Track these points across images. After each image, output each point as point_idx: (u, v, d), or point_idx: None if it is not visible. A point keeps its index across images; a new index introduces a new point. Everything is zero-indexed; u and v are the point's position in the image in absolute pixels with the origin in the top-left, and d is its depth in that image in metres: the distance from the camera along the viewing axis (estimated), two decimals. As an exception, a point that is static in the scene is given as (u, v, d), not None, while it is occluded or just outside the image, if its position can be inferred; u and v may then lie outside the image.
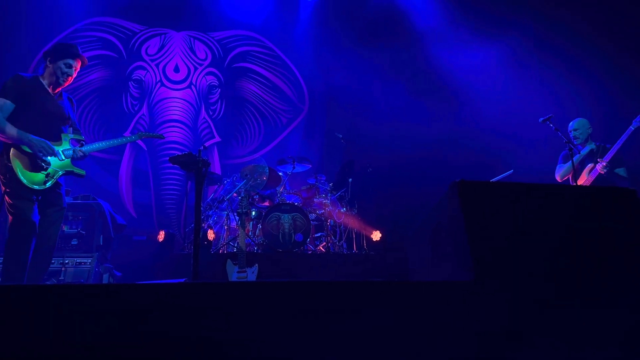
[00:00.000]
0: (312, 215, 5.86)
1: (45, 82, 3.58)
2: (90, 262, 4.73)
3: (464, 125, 7.25)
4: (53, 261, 4.53)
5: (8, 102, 3.33)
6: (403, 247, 6.08)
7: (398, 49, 7.83)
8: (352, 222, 6.06)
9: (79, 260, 4.71)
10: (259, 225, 5.60)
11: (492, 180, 4.86)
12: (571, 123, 5.00)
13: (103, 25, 7.41)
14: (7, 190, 3.29)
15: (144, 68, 7.43)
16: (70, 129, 3.61)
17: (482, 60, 7.59)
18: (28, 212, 3.28)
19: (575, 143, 4.91)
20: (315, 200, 6.03)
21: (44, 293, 1.36)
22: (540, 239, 1.82)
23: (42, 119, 3.46)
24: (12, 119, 3.34)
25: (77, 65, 3.65)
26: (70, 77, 3.63)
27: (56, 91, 3.63)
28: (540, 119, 4.68)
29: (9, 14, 3.27)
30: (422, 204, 6.02)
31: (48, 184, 3.40)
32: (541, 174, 5.18)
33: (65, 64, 3.57)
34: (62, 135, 3.55)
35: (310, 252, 5.62)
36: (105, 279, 4.77)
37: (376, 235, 6.13)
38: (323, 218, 5.90)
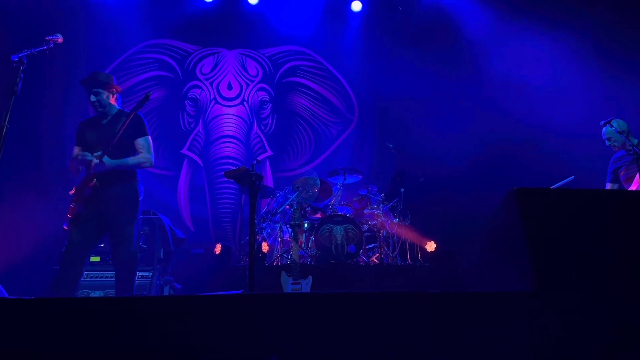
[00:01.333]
0: (365, 227, 5.84)
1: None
2: (151, 275, 4.91)
3: (519, 132, 7.04)
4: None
5: None
6: (459, 257, 5.95)
7: (448, 55, 7.74)
8: (406, 233, 5.99)
9: (141, 273, 4.89)
10: (312, 237, 5.63)
11: (553, 187, 4.68)
12: (604, 131, 4.64)
13: (159, 47, 7.76)
14: None
15: (198, 87, 7.72)
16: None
17: (536, 63, 7.37)
18: None
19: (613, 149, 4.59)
20: (367, 211, 6.01)
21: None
22: (604, 246, 1.75)
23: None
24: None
25: (101, 91, 3.80)
26: (97, 104, 3.81)
27: (104, 118, 3.82)
28: (602, 122, 4.48)
29: (68, 41, 3.48)
30: (478, 212, 5.88)
31: None
32: (603, 180, 4.94)
33: (90, 96, 3.81)
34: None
35: (363, 264, 5.59)
36: (166, 291, 4.94)
37: (431, 246, 6.02)
38: (375, 229, 5.87)
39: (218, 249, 6.09)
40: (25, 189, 6.36)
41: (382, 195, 6.13)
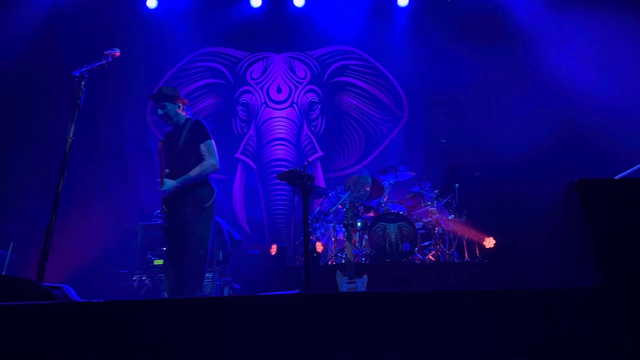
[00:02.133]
0: (419, 224, 5.76)
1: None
2: (212, 277, 5.05)
3: (578, 121, 6.71)
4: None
5: None
6: (519, 253, 5.75)
7: (499, 46, 7.49)
8: (462, 229, 5.86)
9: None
10: (365, 236, 5.62)
11: (617, 177, 4.44)
12: None
13: (210, 55, 7.99)
14: None
15: (249, 92, 7.88)
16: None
17: (592, 50, 7.00)
18: None
19: None
20: (420, 208, 5.93)
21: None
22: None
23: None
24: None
25: (167, 104, 3.97)
26: (165, 117, 3.98)
27: (175, 128, 4.00)
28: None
29: (124, 54, 3.64)
30: (537, 206, 5.66)
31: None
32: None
33: (158, 110, 4.01)
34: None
35: (419, 262, 5.51)
36: (226, 291, 5.07)
37: (489, 242, 5.86)
38: (430, 226, 5.77)
39: (274, 249, 6.18)
40: (90, 198, 6.72)
41: (436, 191, 6.02)
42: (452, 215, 5.86)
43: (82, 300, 2.14)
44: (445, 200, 6.01)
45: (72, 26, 7.22)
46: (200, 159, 3.82)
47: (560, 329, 1.49)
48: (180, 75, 7.87)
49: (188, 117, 4.06)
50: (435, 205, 5.83)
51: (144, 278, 5.35)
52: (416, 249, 5.34)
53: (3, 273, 5.25)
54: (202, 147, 3.84)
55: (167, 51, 7.77)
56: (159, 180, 3.75)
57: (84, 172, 6.69)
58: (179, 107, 4.00)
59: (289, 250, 6.60)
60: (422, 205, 5.93)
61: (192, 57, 7.95)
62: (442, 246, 5.70)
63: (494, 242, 5.84)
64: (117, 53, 3.49)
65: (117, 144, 7.45)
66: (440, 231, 5.80)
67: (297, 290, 4.07)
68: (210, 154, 3.83)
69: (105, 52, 3.45)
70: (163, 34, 7.70)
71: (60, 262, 5.43)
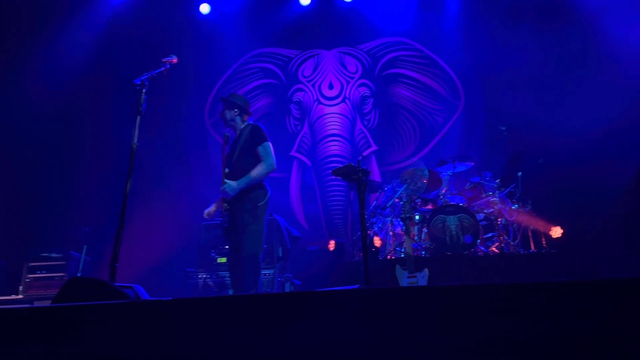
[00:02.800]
0: (480, 215, 5.61)
1: None
2: (273, 273, 5.16)
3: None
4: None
5: None
6: (588, 242, 5.49)
7: (560, 26, 7.11)
8: (527, 219, 5.65)
9: (264, 272, 5.16)
10: (424, 229, 5.54)
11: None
12: None
13: (263, 56, 8.11)
14: None
15: (302, 90, 7.94)
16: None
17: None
18: None
19: None
20: (482, 199, 5.76)
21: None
22: None
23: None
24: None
25: (227, 110, 4.16)
26: (224, 120, 4.19)
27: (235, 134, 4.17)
28: None
29: (180, 60, 3.76)
30: (607, 193, 5.37)
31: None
32: None
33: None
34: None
35: (482, 254, 5.38)
36: (287, 287, 5.16)
37: (556, 232, 5.61)
38: (492, 217, 5.60)
39: (332, 245, 6.21)
40: (155, 200, 7.00)
41: (498, 181, 5.83)
42: (516, 205, 5.66)
43: (152, 298, 2.23)
44: (508, 189, 5.81)
45: (130, 35, 7.54)
46: (258, 160, 3.94)
47: (634, 323, 1.40)
48: (235, 78, 8.05)
49: (247, 122, 4.20)
50: (497, 195, 5.65)
51: (208, 276, 5.53)
52: (478, 241, 5.21)
53: (78, 275, 5.59)
54: (260, 149, 3.97)
55: (221, 55, 7.97)
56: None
57: (149, 176, 6.98)
58: (236, 114, 4.15)
59: (347, 246, 6.62)
60: (483, 195, 5.76)
61: (246, 59, 8.11)
62: (506, 237, 5.53)
63: (562, 231, 5.60)
64: (175, 60, 3.61)
65: (178, 147, 7.73)
66: (503, 222, 5.62)
67: (357, 285, 4.08)
68: (268, 155, 3.96)
69: (163, 60, 3.57)
70: (216, 38, 7.90)
71: (130, 263, 5.69)
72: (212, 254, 5.65)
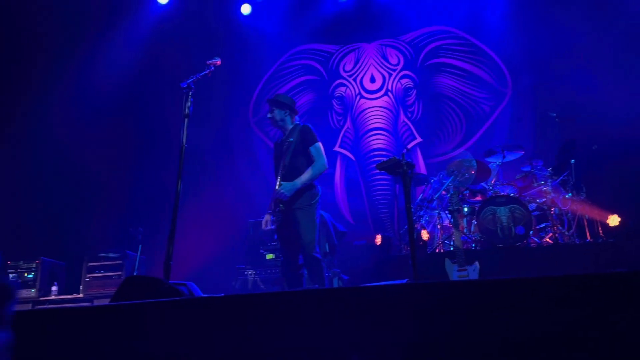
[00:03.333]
0: (532, 205, 5.44)
1: None
2: (318, 269, 5.17)
3: None
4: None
5: None
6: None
7: (616, 5, 6.76)
8: (582, 208, 5.43)
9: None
10: (474, 221, 5.43)
11: None
12: None
13: (304, 53, 8.14)
14: None
15: (343, 85, 7.92)
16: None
17: None
18: None
19: None
20: (533, 188, 5.59)
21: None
22: None
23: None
24: None
25: (275, 109, 4.18)
26: (271, 120, 4.22)
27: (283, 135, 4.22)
28: None
29: (224, 61, 3.83)
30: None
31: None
32: None
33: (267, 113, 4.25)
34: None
35: (535, 245, 5.23)
36: (335, 283, 5.17)
37: (614, 220, 5.37)
38: (545, 207, 5.42)
39: (378, 239, 6.18)
40: (205, 199, 7.19)
41: (550, 169, 5.63)
42: (570, 194, 5.45)
43: (205, 295, 2.30)
44: (561, 177, 5.60)
45: (174, 39, 7.75)
46: (310, 160, 4.00)
47: None
48: (277, 76, 8.13)
49: (296, 122, 4.25)
50: (549, 184, 5.47)
51: (257, 272, 5.63)
52: (531, 232, 5.05)
53: (135, 273, 5.81)
54: (312, 149, 4.02)
55: (263, 54, 8.07)
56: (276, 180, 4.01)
57: (198, 176, 7.17)
58: (287, 114, 4.20)
59: (394, 240, 6.57)
60: (535, 185, 5.59)
61: (287, 57, 8.17)
62: (560, 227, 5.35)
63: (619, 219, 5.35)
64: (218, 62, 3.69)
65: (224, 146, 7.90)
66: (557, 211, 5.44)
67: (405, 280, 4.05)
68: (320, 156, 4.03)
69: (207, 62, 3.65)
70: (258, 37, 8.00)
71: (183, 261, 5.89)
72: (261, 251, 5.75)
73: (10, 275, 5.97)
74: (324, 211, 5.75)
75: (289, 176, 3.97)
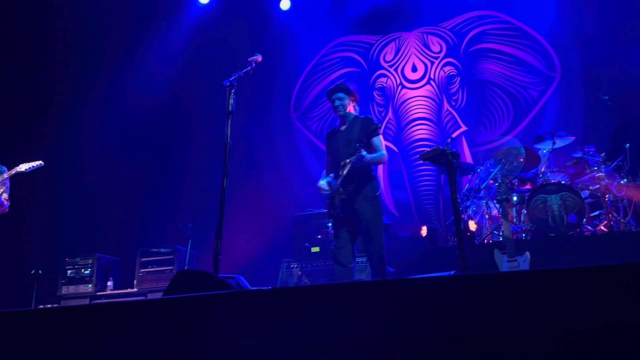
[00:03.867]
0: (585, 193, 5.25)
1: None
2: (366, 261, 5.17)
3: None
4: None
5: None
6: None
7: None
8: (638, 194, 5.19)
9: (357, 260, 5.19)
10: (524, 211, 5.30)
11: None
12: None
13: (343, 45, 8.10)
14: None
15: (384, 75, 7.83)
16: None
17: None
18: None
19: None
20: (585, 175, 5.39)
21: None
22: None
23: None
24: None
25: (343, 96, 4.19)
26: (341, 107, 4.18)
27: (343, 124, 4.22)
28: None
29: (264, 57, 3.86)
30: None
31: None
32: None
33: (334, 102, 4.22)
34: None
35: (589, 234, 5.05)
36: (381, 275, 5.15)
37: (674, 206, 5.11)
38: (599, 194, 5.22)
39: (424, 231, 6.11)
40: (250, 194, 7.31)
41: (603, 154, 5.41)
42: (625, 180, 5.22)
43: (253, 288, 2.34)
44: (615, 163, 5.37)
45: (215, 38, 7.88)
46: (372, 152, 4.00)
47: None
48: (317, 70, 8.13)
49: (355, 114, 4.27)
50: (603, 170, 5.25)
51: (303, 265, 5.69)
52: (584, 220, 4.90)
53: (185, 267, 5.99)
54: (376, 140, 4.04)
55: (302, 48, 8.08)
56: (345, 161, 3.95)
57: (243, 172, 7.30)
58: (352, 102, 4.25)
59: (440, 231, 6.48)
60: (587, 171, 5.38)
61: (327, 50, 8.15)
62: (615, 215, 5.14)
63: (681, 205, 5.09)
64: (259, 58, 3.73)
65: (267, 142, 7.99)
66: (611, 198, 5.23)
67: (452, 272, 3.99)
68: (383, 147, 4.07)
69: (248, 59, 3.70)
70: (297, 32, 8.02)
71: (231, 254, 6.00)
72: (306, 244, 5.79)
73: (69, 272, 6.29)
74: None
75: (351, 171, 3.93)
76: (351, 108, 4.24)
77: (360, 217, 3.94)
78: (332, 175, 4.06)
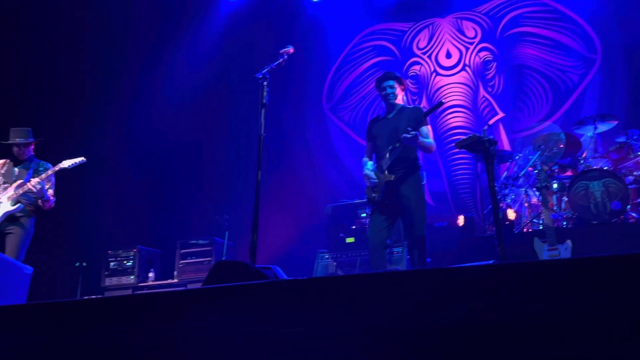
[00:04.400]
0: (629, 178, 5.07)
1: None
2: (401, 251, 5.17)
3: None
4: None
5: None
6: None
7: None
8: (686, 179, 4.98)
9: (392, 250, 5.20)
10: (564, 198, 5.16)
11: None
12: None
13: (375, 34, 8.02)
14: None
15: (418, 63, 7.71)
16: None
17: None
18: None
19: None
20: (629, 160, 5.20)
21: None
22: None
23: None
24: None
25: (394, 84, 4.13)
26: (392, 95, 4.13)
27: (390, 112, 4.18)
28: None
29: (297, 50, 3.87)
30: None
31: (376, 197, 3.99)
32: None
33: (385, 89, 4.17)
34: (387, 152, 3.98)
35: (633, 221, 4.88)
36: (417, 265, 5.12)
37: None
38: (644, 180, 5.03)
39: (461, 220, 6.03)
40: (284, 186, 7.37)
41: (648, 139, 5.20)
42: (673, 164, 5.01)
43: (289, 278, 2.37)
44: (662, 147, 5.15)
45: (247, 32, 7.95)
46: None
47: None
48: (349, 60, 8.08)
49: (403, 104, 4.25)
50: (648, 155, 5.06)
51: (338, 256, 5.71)
52: (628, 206, 4.74)
53: (223, 259, 6.11)
54: (424, 129, 3.99)
55: (334, 38, 8.05)
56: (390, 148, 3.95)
57: (277, 163, 7.37)
58: (401, 90, 4.21)
59: (477, 220, 6.38)
60: (632, 156, 5.18)
61: (358, 39, 8.08)
62: (663, 201, 4.94)
63: None
64: (291, 50, 3.73)
65: (300, 133, 8.03)
66: (658, 184, 5.03)
67: (491, 261, 3.92)
68: (432, 137, 4.06)
69: (280, 51, 3.71)
70: (328, 22, 7.99)
71: (267, 245, 6.09)
72: (341, 235, 5.81)
73: (111, 264, 6.51)
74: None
75: (400, 156, 3.91)
76: (400, 97, 4.20)
77: (404, 202, 3.90)
78: (376, 165, 4.07)
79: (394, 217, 4.05)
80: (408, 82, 7.68)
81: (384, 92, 4.16)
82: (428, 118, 4.05)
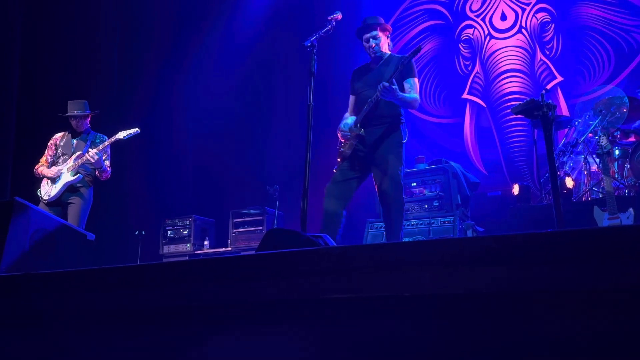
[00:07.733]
0: (703, 144, 4.75)
1: None
2: (452, 220, 5.10)
3: None
4: (421, 222, 5.17)
5: None
6: None
7: None
8: None
9: (443, 219, 5.14)
10: (627, 165, 4.92)
11: None
12: None
13: (426, -3, 7.76)
14: None
15: (471, 26, 7.41)
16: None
17: None
18: None
19: None
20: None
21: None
22: None
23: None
24: None
25: (376, 33, 3.84)
26: (374, 49, 3.86)
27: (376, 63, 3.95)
28: None
29: (345, 15, 3.78)
30: None
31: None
32: None
33: (369, 41, 3.89)
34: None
35: None
36: (469, 234, 5.06)
37: None
38: None
39: (516, 189, 5.87)
40: (335, 155, 7.35)
41: None
42: None
43: (338, 245, 2.40)
44: None
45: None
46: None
47: None
48: (399, 25, 7.86)
49: (390, 52, 4.01)
50: None
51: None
52: (700, 174, 4.44)
53: (274, 227, 6.24)
54: (410, 81, 3.77)
55: (383, 3, 7.84)
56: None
57: (326, 133, 7.36)
58: (386, 38, 3.95)
59: (533, 189, 6.18)
60: None
61: (408, 4, 7.85)
62: None
63: None
64: (339, 16, 3.67)
65: (347, 102, 7.94)
66: None
67: (549, 230, 3.81)
68: (416, 91, 3.78)
69: (328, 18, 3.66)
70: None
71: (317, 215, 6.15)
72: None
73: (169, 232, 6.80)
74: (454, 162, 5.59)
75: (378, 109, 3.71)
76: (386, 45, 3.94)
77: (378, 161, 3.71)
78: (355, 118, 3.83)
79: (362, 176, 3.84)
80: (460, 45, 7.42)
81: (367, 44, 3.85)
82: (416, 69, 3.81)
